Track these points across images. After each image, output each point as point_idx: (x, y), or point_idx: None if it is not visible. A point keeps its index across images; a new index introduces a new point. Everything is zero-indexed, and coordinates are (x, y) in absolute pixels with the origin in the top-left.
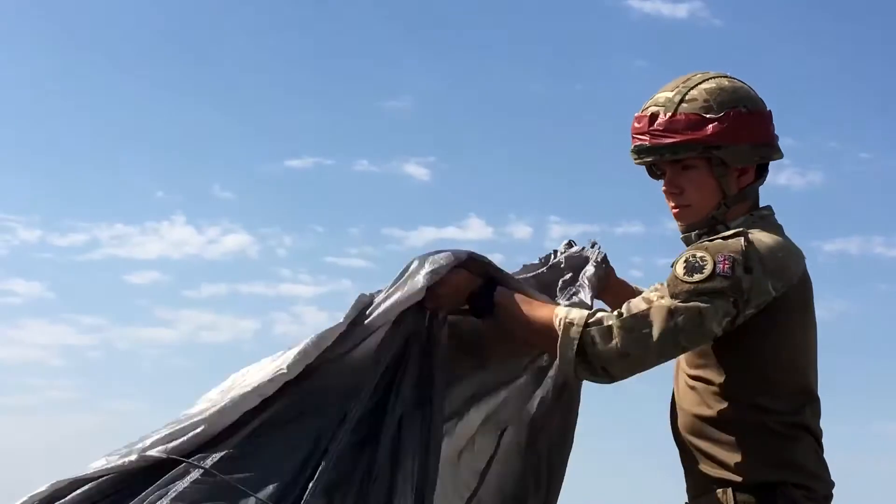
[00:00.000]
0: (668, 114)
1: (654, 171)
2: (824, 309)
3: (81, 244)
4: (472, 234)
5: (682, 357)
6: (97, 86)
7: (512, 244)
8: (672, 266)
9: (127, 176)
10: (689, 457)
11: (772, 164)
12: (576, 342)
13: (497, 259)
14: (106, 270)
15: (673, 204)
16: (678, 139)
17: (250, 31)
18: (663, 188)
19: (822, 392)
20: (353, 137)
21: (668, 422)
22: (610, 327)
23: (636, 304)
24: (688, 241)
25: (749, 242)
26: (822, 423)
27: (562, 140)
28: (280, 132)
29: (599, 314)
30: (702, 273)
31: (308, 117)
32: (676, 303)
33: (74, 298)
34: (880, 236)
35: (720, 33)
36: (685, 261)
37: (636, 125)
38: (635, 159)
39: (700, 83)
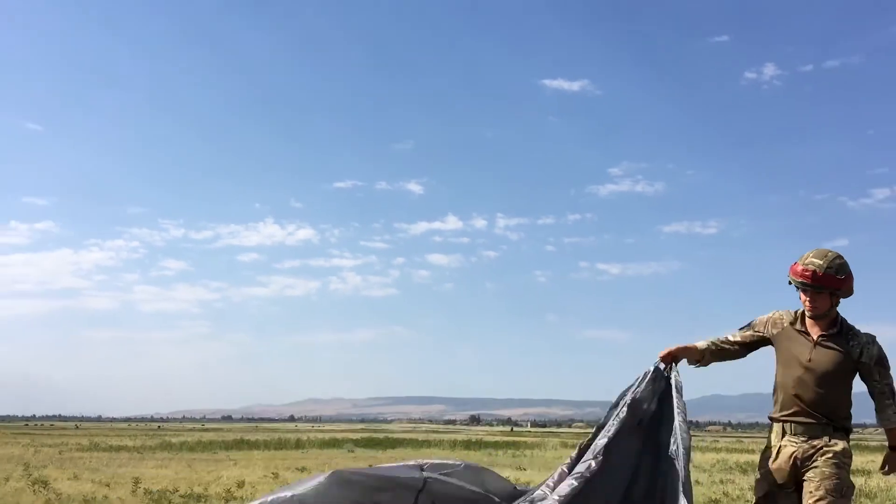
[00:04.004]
0: (820, 272)
1: (797, 288)
2: (665, 267)
3: (210, 237)
4: (450, 226)
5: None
6: (214, 130)
7: (474, 231)
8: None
9: (236, 194)
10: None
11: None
12: None
13: (463, 242)
14: (225, 253)
15: (811, 307)
16: (827, 285)
17: (317, 96)
18: (806, 299)
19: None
20: (376, 167)
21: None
22: None
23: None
24: (815, 317)
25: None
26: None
27: (505, 166)
28: (330, 164)
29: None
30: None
31: (348, 155)
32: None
33: (206, 271)
34: (698, 221)
35: (601, 99)
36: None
37: (805, 272)
38: (803, 285)
39: (833, 259)
